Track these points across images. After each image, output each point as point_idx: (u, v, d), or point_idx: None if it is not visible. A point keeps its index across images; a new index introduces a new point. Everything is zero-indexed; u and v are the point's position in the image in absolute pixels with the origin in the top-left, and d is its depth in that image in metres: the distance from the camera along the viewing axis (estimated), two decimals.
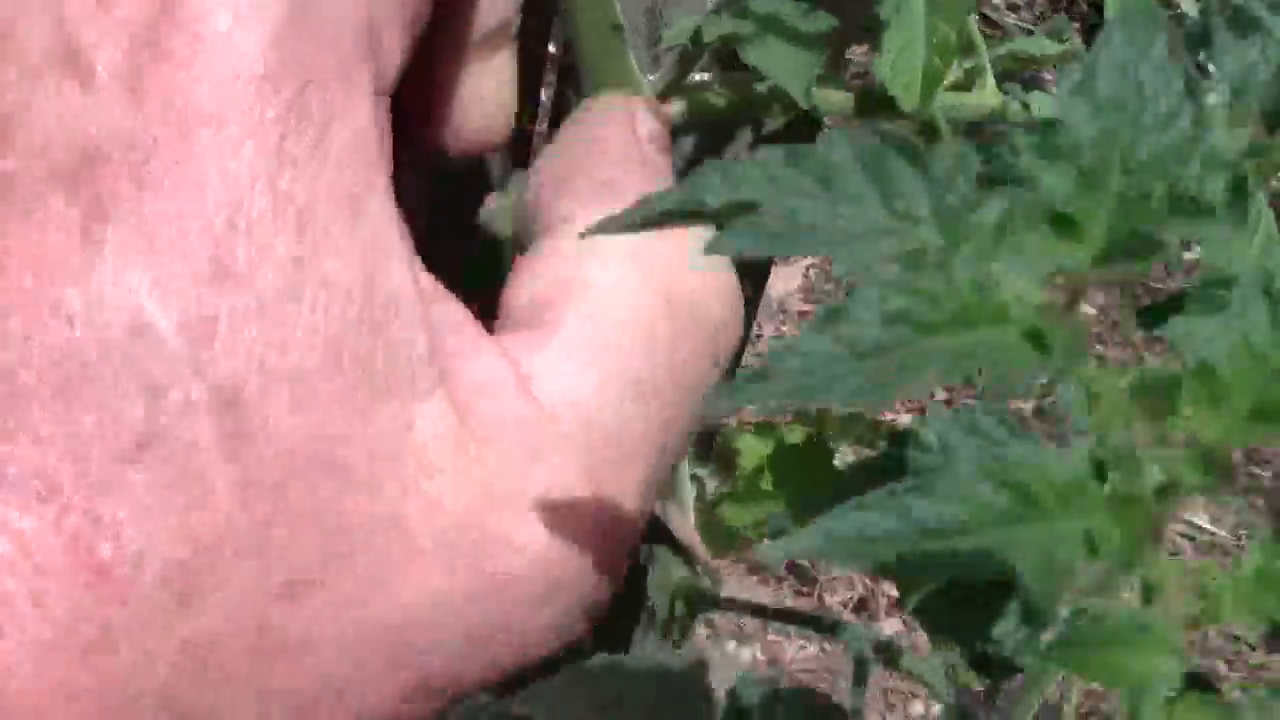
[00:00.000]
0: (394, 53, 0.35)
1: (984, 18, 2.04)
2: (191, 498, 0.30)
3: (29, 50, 0.31)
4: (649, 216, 0.30)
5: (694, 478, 0.46)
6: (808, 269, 1.93)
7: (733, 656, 1.59)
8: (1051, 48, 0.45)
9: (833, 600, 1.81)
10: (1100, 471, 0.28)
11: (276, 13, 0.32)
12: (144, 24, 0.31)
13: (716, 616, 1.61)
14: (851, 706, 0.41)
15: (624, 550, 0.36)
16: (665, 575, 0.44)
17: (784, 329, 1.92)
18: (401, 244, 0.34)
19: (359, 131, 0.33)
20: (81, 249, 0.30)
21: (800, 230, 0.28)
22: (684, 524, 0.45)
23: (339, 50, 0.33)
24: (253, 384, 0.31)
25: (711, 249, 0.29)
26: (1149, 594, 0.29)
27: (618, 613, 0.40)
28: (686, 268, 0.37)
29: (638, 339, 0.36)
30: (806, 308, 1.91)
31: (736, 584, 1.67)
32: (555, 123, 0.41)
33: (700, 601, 0.42)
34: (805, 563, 1.81)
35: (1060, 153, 0.28)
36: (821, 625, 0.43)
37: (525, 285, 0.37)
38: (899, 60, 0.40)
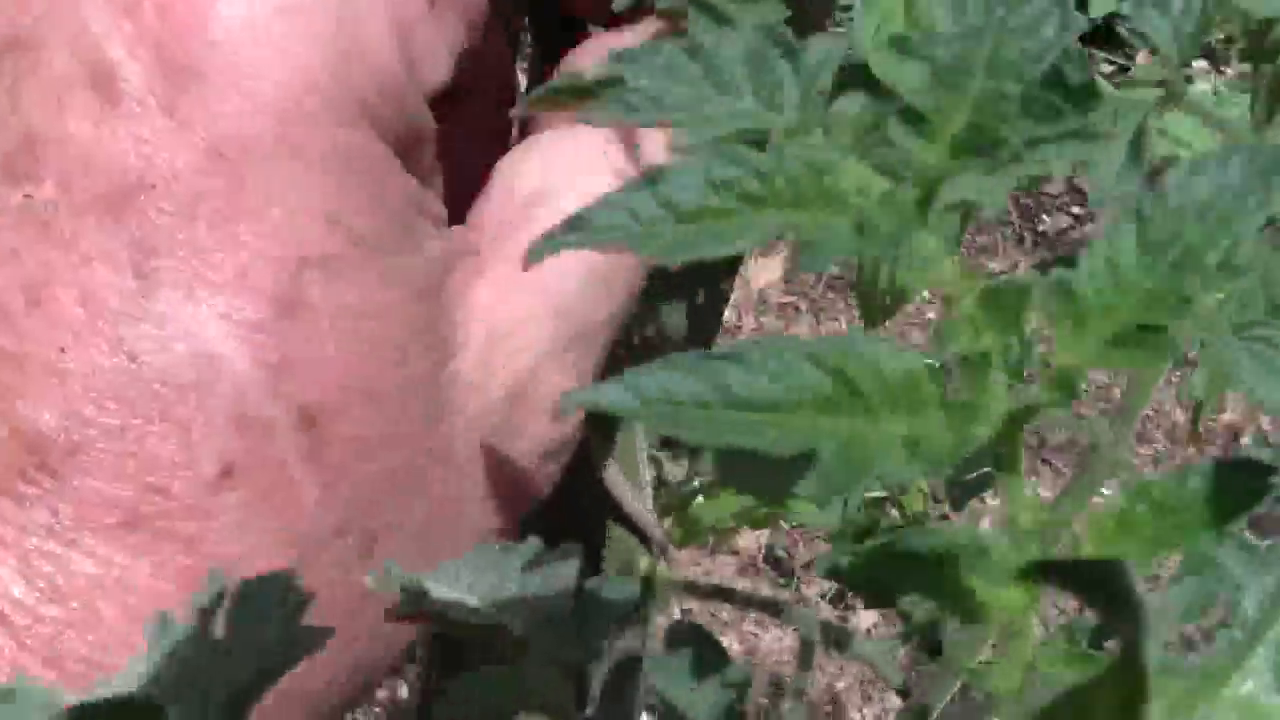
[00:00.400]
0: (440, 55, 0.35)
1: None
2: (282, 510, 0.31)
3: (53, 64, 0.31)
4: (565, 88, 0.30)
5: (653, 459, 0.44)
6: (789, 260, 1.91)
7: None
8: None
9: (810, 591, 1.76)
10: (940, 378, 0.27)
11: (311, 32, 0.31)
12: (173, 40, 0.31)
13: (694, 606, 1.59)
14: (794, 687, 0.40)
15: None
16: (621, 556, 0.43)
17: (764, 320, 1.90)
18: (447, 250, 0.35)
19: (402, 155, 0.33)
20: (135, 283, 0.30)
21: (663, 109, 0.28)
22: (640, 504, 0.43)
23: (380, 69, 0.32)
24: (331, 401, 0.32)
25: (582, 117, 0.29)
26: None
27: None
28: None
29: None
30: (787, 299, 1.89)
31: (716, 576, 1.65)
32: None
33: (657, 583, 0.41)
34: (783, 554, 1.79)
35: (916, 50, 0.27)
36: (774, 608, 0.42)
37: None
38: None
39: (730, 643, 1.60)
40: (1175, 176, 0.28)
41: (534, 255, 0.26)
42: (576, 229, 0.26)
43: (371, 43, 0.32)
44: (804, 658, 0.41)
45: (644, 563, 0.42)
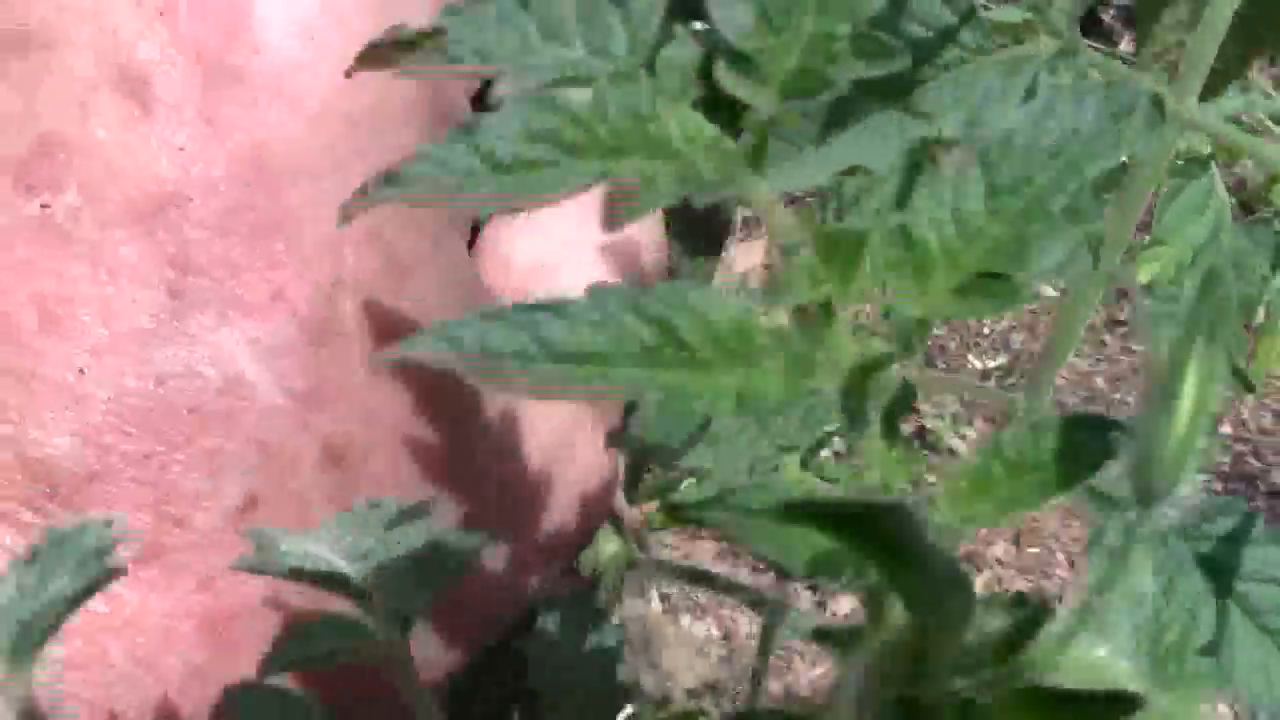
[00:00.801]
0: None
1: None
2: None
3: (73, 64, 0.28)
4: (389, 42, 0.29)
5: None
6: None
7: (687, 631, 1.54)
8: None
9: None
10: (781, 331, 0.25)
11: (357, 30, 0.29)
12: (211, 42, 0.28)
13: (673, 592, 1.58)
14: (755, 668, 0.39)
15: None
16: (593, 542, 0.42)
17: None
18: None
19: None
20: (166, 303, 0.28)
21: (487, 59, 0.27)
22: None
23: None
24: (360, 437, 0.30)
25: (408, 73, 0.27)
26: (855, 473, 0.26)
27: None
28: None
29: None
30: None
31: (695, 560, 1.64)
32: None
33: (626, 565, 0.40)
34: None
35: None
36: (745, 593, 0.41)
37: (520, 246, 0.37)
38: None
39: (708, 628, 1.58)
40: (1024, 119, 0.26)
41: (352, 207, 0.25)
42: (391, 184, 0.25)
43: None
44: (763, 643, 0.40)
45: (614, 545, 0.41)
